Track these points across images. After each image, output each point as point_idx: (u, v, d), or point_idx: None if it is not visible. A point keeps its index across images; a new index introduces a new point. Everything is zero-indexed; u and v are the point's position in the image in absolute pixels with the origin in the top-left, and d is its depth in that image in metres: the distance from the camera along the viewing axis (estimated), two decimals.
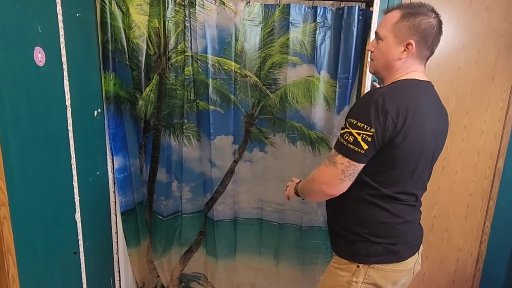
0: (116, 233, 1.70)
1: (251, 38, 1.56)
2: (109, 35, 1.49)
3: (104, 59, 1.52)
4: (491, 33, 1.72)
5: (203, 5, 1.52)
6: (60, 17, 1.19)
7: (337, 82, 1.58)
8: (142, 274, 1.87)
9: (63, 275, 1.26)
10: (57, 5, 1.17)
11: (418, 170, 1.02)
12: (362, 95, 1.59)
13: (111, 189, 1.66)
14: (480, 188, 1.90)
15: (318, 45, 1.55)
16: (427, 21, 0.99)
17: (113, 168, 1.64)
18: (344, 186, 0.99)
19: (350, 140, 0.94)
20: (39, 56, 1.08)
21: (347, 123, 0.97)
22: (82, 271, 1.38)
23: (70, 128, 1.27)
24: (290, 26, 1.53)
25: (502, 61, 1.75)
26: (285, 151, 1.66)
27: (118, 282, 1.75)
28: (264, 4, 1.54)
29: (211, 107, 1.61)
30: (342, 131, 0.98)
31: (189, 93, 1.62)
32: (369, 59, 1.12)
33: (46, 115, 1.13)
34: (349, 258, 1.08)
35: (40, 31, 1.09)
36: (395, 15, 1.02)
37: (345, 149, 0.95)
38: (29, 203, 1.06)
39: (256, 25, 1.55)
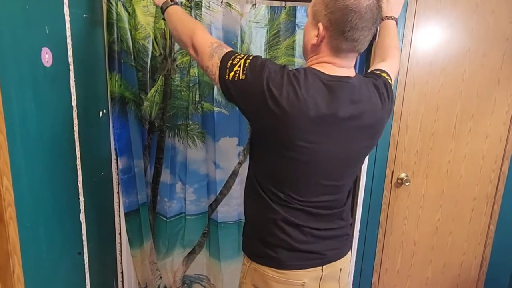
0: (120, 234, 1.70)
1: (257, 40, 1.56)
2: (115, 36, 1.49)
3: (110, 60, 1.52)
4: (496, 36, 1.72)
5: (209, 6, 1.52)
6: (67, 18, 1.19)
7: None
8: (145, 275, 1.87)
9: (67, 276, 1.26)
10: (65, 6, 1.18)
11: (310, 174, 0.93)
12: None
13: (115, 190, 1.66)
14: (485, 192, 1.89)
15: None
16: (346, 5, 0.80)
17: (117, 169, 1.64)
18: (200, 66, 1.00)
19: (234, 61, 0.90)
20: (47, 57, 1.08)
21: (250, 54, 0.93)
22: (86, 272, 1.38)
23: (75, 128, 1.27)
24: (296, 28, 1.53)
25: (507, 64, 1.74)
26: None
27: (121, 283, 1.75)
28: (270, 6, 1.54)
29: (216, 109, 1.61)
30: (240, 53, 0.93)
31: (194, 95, 1.62)
32: None
33: (52, 115, 1.13)
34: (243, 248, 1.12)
35: (47, 32, 1.09)
36: None
37: (226, 59, 0.92)
38: (35, 204, 1.06)
39: (262, 27, 1.55)
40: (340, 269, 1.03)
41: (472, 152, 1.84)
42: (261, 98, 0.85)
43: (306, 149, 0.88)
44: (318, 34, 0.87)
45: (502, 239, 1.92)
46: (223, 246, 1.78)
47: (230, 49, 0.96)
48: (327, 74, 0.89)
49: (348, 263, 1.08)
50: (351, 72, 0.94)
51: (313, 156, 0.90)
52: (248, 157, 1.69)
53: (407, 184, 1.86)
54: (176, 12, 1.11)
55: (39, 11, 1.05)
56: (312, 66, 0.92)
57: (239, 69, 0.88)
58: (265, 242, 0.98)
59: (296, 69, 0.89)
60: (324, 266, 0.99)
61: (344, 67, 0.91)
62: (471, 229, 1.94)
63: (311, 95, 0.84)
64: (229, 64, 0.90)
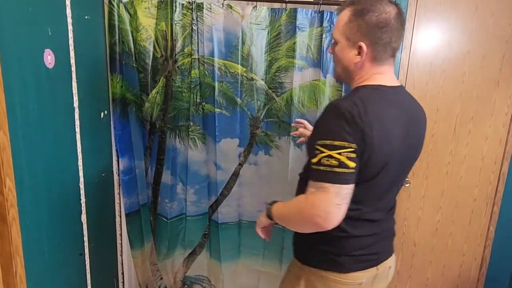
0: (121, 234, 1.70)
1: (258, 42, 1.57)
2: (117, 37, 1.50)
3: (112, 61, 1.53)
4: (496, 38, 1.73)
5: (210, 8, 1.52)
6: (69, 20, 1.20)
7: (343, 86, 1.58)
8: (146, 276, 1.87)
9: (69, 276, 1.26)
10: (67, 8, 1.18)
11: (381, 185, 0.94)
12: None
13: (116, 190, 1.66)
14: (484, 193, 1.90)
15: (324, 49, 1.56)
16: (377, 18, 0.88)
17: (119, 169, 1.64)
18: (342, 212, 0.85)
19: (334, 163, 0.83)
20: (49, 58, 1.09)
21: (321, 147, 0.85)
22: (87, 273, 1.38)
23: (77, 129, 1.27)
24: (297, 30, 1.54)
25: (507, 66, 1.75)
26: (290, 155, 1.66)
27: (122, 283, 1.76)
28: (271, 8, 1.55)
29: (217, 110, 1.62)
30: (316, 159, 0.85)
31: (195, 96, 1.62)
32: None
33: (54, 116, 1.14)
34: (295, 256, 1.08)
35: (50, 34, 1.09)
36: (345, 14, 0.93)
37: (332, 175, 0.83)
38: (37, 204, 1.06)
39: (263, 29, 1.56)
40: (389, 267, 1.07)
41: (472, 153, 1.85)
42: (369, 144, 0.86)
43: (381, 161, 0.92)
44: (360, 52, 0.91)
45: (502, 240, 1.92)
46: (224, 247, 1.78)
47: (316, 177, 0.86)
48: (386, 86, 0.94)
49: (394, 261, 1.11)
50: (393, 75, 0.99)
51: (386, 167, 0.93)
52: (248, 158, 1.71)
53: (407, 185, 1.87)
54: (278, 208, 1.03)
55: (41, 13, 1.05)
56: (365, 83, 0.94)
57: (342, 154, 0.83)
58: (329, 251, 0.99)
59: (355, 101, 0.86)
60: (378, 266, 1.02)
61: (389, 72, 0.97)
62: (471, 230, 1.94)
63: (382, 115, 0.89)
64: (336, 169, 0.83)
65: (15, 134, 0.94)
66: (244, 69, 1.60)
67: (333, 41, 0.99)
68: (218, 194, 1.73)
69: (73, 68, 1.23)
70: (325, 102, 1.60)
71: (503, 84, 1.77)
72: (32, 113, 1.02)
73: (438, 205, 1.92)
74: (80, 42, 1.25)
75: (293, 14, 1.53)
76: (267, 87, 1.62)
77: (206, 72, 1.59)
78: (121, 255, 1.72)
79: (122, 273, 1.75)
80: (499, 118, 1.81)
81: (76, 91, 1.25)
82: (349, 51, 0.93)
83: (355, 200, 0.89)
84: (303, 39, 1.56)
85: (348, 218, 0.89)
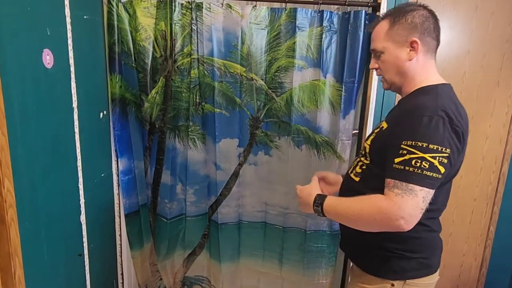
0: (120, 235, 1.70)
1: (257, 42, 1.57)
2: (116, 37, 1.50)
3: (111, 61, 1.52)
4: (496, 38, 1.72)
5: (209, 8, 1.52)
6: (68, 20, 1.19)
7: (343, 86, 1.58)
8: (145, 277, 1.87)
9: (68, 277, 1.26)
10: (66, 7, 1.18)
11: (451, 181, 1.00)
12: (368, 99, 1.59)
13: (116, 191, 1.66)
14: (485, 193, 1.89)
15: (324, 49, 1.55)
16: (419, 15, 0.96)
17: (118, 170, 1.64)
18: (420, 216, 0.85)
19: (425, 166, 0.83)
20: (48, 58, 1.08)
21: (411, 148, 0.84)
22: (86, 273, 1.38)
23: (76, 130, 1.27)
24: (297, 30, 1.53)
25: (507, 66, 1.75)
26: (290, 155, 1.66)
27: (121, 284, 1.75)
28: (271, 8, 1.55)
29: (217, 110, 1.61)
30: (404, 158, 0.85)
31: (194, 96, 1.62)
32: (378, 77, 1.07)
33: (53, 117, 1.13)
34: (382, 276, 1.01)
35: (48, 33, 1.09)
36: (384, 24, 0.99)
37: (421, 177, 0.83)
38: (36, 205, 1.06)
39: (263, 29, 1.56)
40: None
41: (472, 153, 1.84)
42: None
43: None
44: (415, 47, 0.95)
45: (502, 240, 1.92)
46: (224, 247, 1.78)
47: (403, 177, 0.85)
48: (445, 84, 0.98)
49: None
50: None
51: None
52: (248, 158, 1.70)
53: None
54: (334, 207, 0.99)
55: (40, 13, 1.05)
56: (431, 83, 0.97)
57: (436, 158, 0.83)
58: (424, 257, 1.01)
59: (445, 102, 0.89)
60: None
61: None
62: (471, 230, 1.94)
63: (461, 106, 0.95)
64: (427, 173, 0.83)
65: (13, 135, 0.93)
66: (244, 69, 1.59)
67: (373, 57, 1.03)
68: (218, 195, 1.72)
69: (72, 68, 1.23)
70: (325, 102, 1.60)
71: (503, 83, 1.77)
72: (30, 113, 1.02)
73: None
74: (79, 42, 1.25)
75: (292, 14, 1.53)
76: (266, 87, 1.62)
77: (206, 72, 1.58)
78: (121, 256, 1.72)
79: (122, 274, 1.74)
80: (499, 117, 1.81)
81: (75, 91, 1.24)
82: (400, 51, 0.97)
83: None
84: (303, 39, 1.55)
85: (429, 217, 0.95)
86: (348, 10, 1.54)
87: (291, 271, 1.79)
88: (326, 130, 1.62)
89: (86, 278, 1.38)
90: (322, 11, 1.53)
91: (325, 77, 1.58)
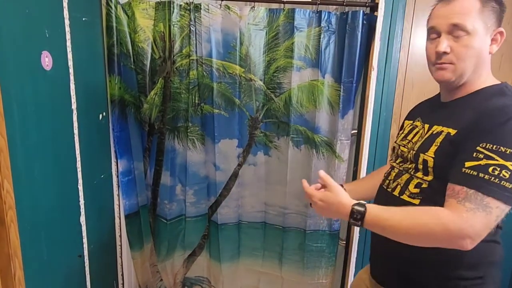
0: (120, 236, 1.70)
1: (256, 42, 1.57)
2: (115, 39, 1.50)
3: (110, 63, 1.53)
4: None
5: (208, 9, 1.52)
6: (67, 22, 1.20)
7: (341, 86, 1.58)
8: (145, 278, 1.87)
9: (68, 278, 1.26)
10: (64, 9, 1.18)
11: None
12: (366, 99, 1.59)
13: (115, 192, 1.66)
14: None
15: (323, 49, 1.56)
16: (501, 3, 0.82)
17: (117, 171, 1.64)
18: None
19: (505, 176, 0.70)
20: (46, 60, 1.09)
21: (491, 153, 0.71)
22: (86, 274, 1.38)
23: (75, 131, 1.27)
24: (295, 30, 1.54)
25: (506, 65, 1.75)
26: (289, 155, 1.66)
27: (122, 285, 1.75)
28: (269, 9, 1.55)
29: (216, 111, 1.62)
30: (479, 163, 0.72)
31: (193, 97, 1.62)
32: (439, 64, 0.85)
33: (52, 118, 1.14)
34: None
35: (47, 36, 1.09)
36: (473, 1, 0.81)
37: (500, 189, 0.70)
38: (35, 207, 1.06)
39: (261, 29, 1.56)
40: None
41: None
42: None
43: None
44: (496, 40, 0.83)
45: (503, 239, 1.91)
46: (224, 248, 1.78)
47: (478, 186, 0.73)
48: None
49: None
50: None
51: None
52: (247, 158, 1.70)
53: None
54: (378, 220, 0.80)
55: (39, 15, 1.05)
56: (497, 81, 0.85)
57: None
58: (495, 278, 0.88)
59: None
60: None
61: None
62: None
63: None
64: (506, 184, 0.70)
65: (12, 136, 0.94)
66: (243, 69, 1.60)
67: (448, 35, 0.82)
68: (218, 195, 1.73)
69: (71, 70, 1.23)
70: (323, 102, 1.60)
71: None
72: (29, 115, 1.02)
73: None
74: (77, 43, 1.25)
75: (291, 15, 1.53)
76: (265, 88, 1.62)
77: (205, 73, 1.59)
78: (121, 257, 1.72)
79: (122, 275, 1.74)
80: None
81: (74, 93, 1.25)
82: (486, 40, 0.81)
83: None
84: (301, 39, 1.55)
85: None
86: (346, 10, 1.54)
87: (291, 271, 1.79)
88: (325, 130, 1.62)
89: (86, 279, 1.39)
90: (320, 11, 1.53)
91: (324, 77, 1.59)
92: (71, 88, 1.24)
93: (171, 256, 1.85)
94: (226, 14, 1.54)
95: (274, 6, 1.58)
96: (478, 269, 0.84)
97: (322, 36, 1.54)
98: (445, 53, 0.82)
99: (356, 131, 1.67)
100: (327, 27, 1.54)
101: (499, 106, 0.77)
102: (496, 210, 0.70)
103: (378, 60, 1.55)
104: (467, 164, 0.73)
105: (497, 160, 0.71)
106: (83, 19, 1.33)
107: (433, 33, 0.86)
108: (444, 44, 0.82)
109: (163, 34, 1.55)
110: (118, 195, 1.67)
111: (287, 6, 1.55)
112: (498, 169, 0.70)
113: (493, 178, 0.71)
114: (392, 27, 1.62)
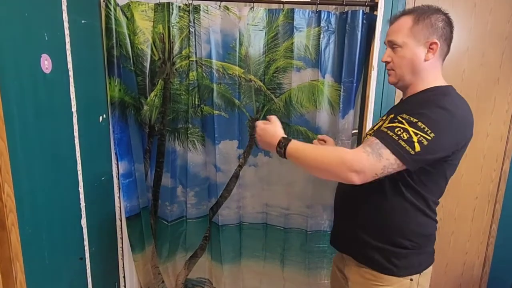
0: (121, 238, 1.70)
1: (255, 43, 1.57)
2: (114, 41, 1.50)
3: (109, 65, 1.53)
4: (495, 35, 1.72)
5: (207, 10, 1.52)
6: (66, 24, 1.20)
7: (342, 86, 1.58)
8: (147, 279, 1.87)
9: (69, 281, 1.26)
10: (63, 12, 1.18)
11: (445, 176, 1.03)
12: (367, 99, 1.58)
13: (116, 194, 1.66)
14: (486, 191, 1.89)
15: (322, 49, 1.55)
16: (441, 18, 0.98)
17: (118, 173, 1.64)
18: (371, 180, 0.89)
19: (404, 136, 0.86)
20: (46, 63, 1.09)
21: (402, 119, 0.89)
22: (88, 277, 1.38)
23: (76, 134, 1.27)
24: (294, 30, 1.53)
25: (506, 63, 1.74)
26: None
27: (123, 287, 1.75)
28: (268, 9, 1.55)
29: (216, 112, 1.61)
30: (392, 125, 0.90)
31: (193, 98, 1.62)
32: (387, 70, 1.06)
33: (52, 121, 1.14)
34: (401, 274, 1.01)
35: (46, 39, 1.09)
36: (408, 20, 0.99)
37: (395, 144, 0.86)
38: (36, 210, 1.06)
39: (260, 30, 1.56)
40: None
41: (473, 151, 1.84)
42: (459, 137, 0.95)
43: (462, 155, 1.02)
44: (433, 49, 0.98)
45: (505, 237, 1.91)
46: (225, 249, 1.78)
47: (381, 137, 0.89)
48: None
49: None
50: None
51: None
52: (248, 159, 1.70)
53: None
54: (297, 150, 0.97)
55: (38, 18, 1.05)
56: (443, 84, 1.01)
57: (418, 135, 0.86)
58: (431, 247, 1.07)
59: (453, 102, 0.95)
60: None
61: None
62: (473, 228, 1.93)
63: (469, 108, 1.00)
64: (402, 142, 0.86)
65: (13, 140, 0.94)
66: (242, 70, 1.59)
67: (388, 48, 1.03)
68: (218, 196, 1.72)
69: (71, 73, 1.23)
70: (324, 102, 1.60)
71: (503, 81, 1.76)
72: (29, 118, 1.02)
73: (439, 204, 1.90)
74: (77, 46, 1.25)
75: (290, 15, 1.53)
76: (265, 88, 1.62)
77: (204, 74, 1.59)
78: (122, 259, 1.72)
79: (124, 277, 1.74)
80: (499, 115, 1.80)
81: (74, 96, 1.25)
82: (418, 50, 0.98)
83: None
84: (301, 40, 1.55)
85: (435, 211, 1.03)
86: (346, 10, 1.54)
87: (293, 271, 1.79)
88: (325, 130, 1.62)
89: (88, 281, 1.38)
90: (320, 11, 1.53)
91: (324, 77, 1.58)
92: (71, 91, 1.24)
93: (172, 258, 1.85)
94: (225, 15, 1.54)
95: (274, 6, 1.57)
96: (417, 236, 1.01)
97: (321, 36, 1.54)
98: (387, 62, 1.04)
99: (356, 131, 1.67)
100: (326, 27, 1.54)
101: (427, 97, 0.97)
102: (385, 160, 0.87)
103: (378, 60, 1.55)
104: (385, 125, 0.93)
105: (404, 125, 0.88)
106: (82, 21, 1.33)
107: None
108: (385, 55, 1.04)
109: (162, 35, 1.55)
110: (119, 197, 1.67)
111: (286, 6, 1.55)
112: (401, 130, 0.88)
113: (394, 135, 0.88)
114: None
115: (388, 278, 1.02)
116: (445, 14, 1.00)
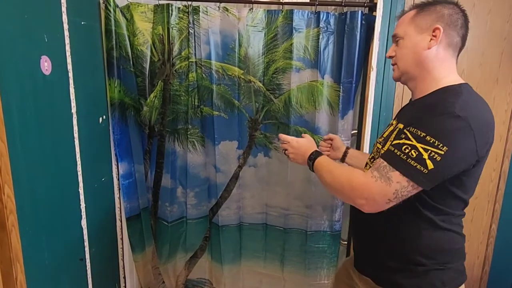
0: (122, 239, 1.70)
1: (255, 44, 1.57)
2: (114, 42, 1.50)
3: (109, 66, 1.53)
4: (494, 35, 1.72)
5: (206, 11, 1.53)
6: (65, 26, 1.20)
7: (341, 87, 1.58)
8: (148, 280, 1.87)
9: (70, 282, 1.26)
10: (63, 14, 1.19)
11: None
12: (366, 99, 1.59)
13: (116, 195, 1.66)
14: (486, 191, 1.89)
15: (322, 50, 1.56)
16: (449, 7, 0.90)
17: (118, 174, 1.64)
18: (386, 207, 0.82)
19: (412, 155, 0.78)
20: (46, 65, 1.09)
21: (409, 134, 0.80)
22: (88, 277, 1.39)
23: (76, 135, 1.27)
24: (294, 31, 1.54)
25: (506, 63, 1.74)
26: None
27: None
28: (268, 10, 1.55)
29: (215, 113, 1.62)
30: (399, 142, 0.81)
31: (193, 99, 1.63)
32: (391, 66, 1.01)
33: (52, 123, 1.14)
34: None
35: (46, 40, 1.10)
36: (411, 12, 0.94)
37: (405, 164, 0.78)
38: (36, 211, 1.06)
39: (260, 31, 1.56)
40: None
41: None
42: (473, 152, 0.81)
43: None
44: (436, 36, 0.89)
45: (504, 237, 1.91)
46: (225, 250, 1.78)
47: (388, 158, 0.83)
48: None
49: None
50: None
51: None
52: (247, 160, 1.70)
53: None
54: (321, 167, 0.99)
55: (37, 20, 1.06)
56: (456, 82, 0.89)
57: (428, 151, 0.77)
58: (459, 264, 0.97)
59: (467, 105, 0.81)
60: None
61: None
62: (473, 229, 1.93)
63: (488, 108, 0.88)
64: (412, 162, 0.78)
65: (13, 141, 0.94)
66: (242, 71, 1.60)
67: (393, 43, 0.98)
68: (218, 197, 1.73)
69: (71, 74, 1.23)
70: (323, 102, 1.60)
71: (502, 81, 1.76)
72: (29, 119, 1.03)
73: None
74: (76, 48, 1.26)
75: (289, 16, 1.53)
76: (265, 89, 1.62)
77: (204, 75, 1.59)
78: (123, 260, 1.72)
79: (124, 278, 1.75)
80: (498, 115, 1.80)
81: (73, 97, 1.25)
82: (420, 38, 0.90)
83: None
84: (300, 40, 1.55)
85: (461, 224, 0.93)
86: (345, 10, 1.54)
87: (293, 272, 1.79)
88: (325, 130, 1.62)
89: (88, 282, 1.39)
90: (319, 12, 1.53)
91: (323, 78, 1.58)
92: (71, 92, 1.24)
93: (173, 259, 1.85)
94: (224, 16, 1.54)
95: (273, 7, 1.58)
96: (437, 253, 0.91)
97: (321, 36, 1.54)
98: (391, 57, 0.99)
99: (356, 131, 1.67)
100: (325, 28, 1.54)
101: (436, 101, 0.85)
102: (396, 184, 0.80)
103: (377, 60, 1.55)
104: (393, 142, 0.84)
105: (411, 141, 0.79)
106: (82, 23, 1.33)
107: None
108: (390, 50, 0.99)
109: (162, 36, 1.55)
110: (119, 198, 1.68)
111: (286, 7, 1.55)
112: (409, 148, 0.79)
113: (402, 154, 0.79)
114: (391, 27, 1.62)
115: None
116: (457, 6, 0.91)
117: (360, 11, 1.50)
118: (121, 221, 1.70)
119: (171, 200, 1.75)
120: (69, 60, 1.22)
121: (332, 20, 1.54)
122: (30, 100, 1.03)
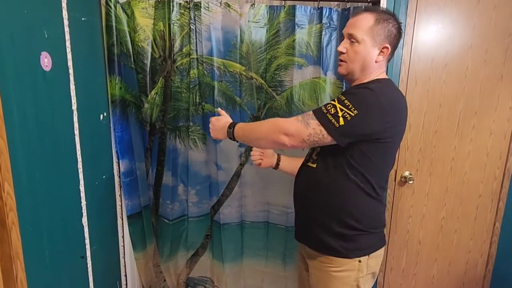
0: (123, 237, 1.70)
1: (257, 40, 1.56)
2: (115, 38, 1.49)
3: (110, 63, 1.52)
4: (499, 32, 1.70)
5: (208, 7, 1.51)
6: (66, 22, 1.19)
7: (343, 83, 1.56)
8: (149, 278, 1.87)
9: (71, 280, 1.26)
10: (63, 10, 1.18)
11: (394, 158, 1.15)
12: None
13: (117, 193, 1.66)
14: (490, 189, 1.87)
15: (324, 46, 1.54)
16: (396, 26, 1.07)
17: (119, 171, 1.64)
18: (299, 147, 1.03)
19: (331, 111, 0.99)
20: (46, 61, 1.08)
21: (336, 98, 1.02)
22: (89, 275, 1.38)
23: (76, 132, 1.26)
24: (296, 27, 1.52)
25: (510, 60, 1.72)
26: (292, 153, 1.64)
27: (125, 286, 1.75)
28: (270, 6, 1.54)
29: (217, 110, 1.60)
30: (328, 102, 1.03)
31: (194, 96, 1.61)
32: (339, 60, 1.14)
33: (52, 119, 1.13)
34: (350, 256, 1.09)
35: (46, 36, 1.09)
36: (370, 18, 1.06)
37: (323, 116, 0.99)
38: (37, 208, 1.06)
39: (262, 27, 1.55)
40: None
41: (476, 149, 1.82)
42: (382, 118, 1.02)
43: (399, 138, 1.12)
44: (384, 53, 1.07)
45: (508, 236, 1.90)
46: (226, 248, 1.77)
47: (314, 111, 1.03)
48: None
49: None
50: None
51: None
52: (249, 158, 1.69)
53: (410, 182, 1.84)
54: (242, 128, 1.15)
55: (37, 16, 1.05)
56: (383, 77, 1.11)
57: (343, 111, 0.98)
58: (381, 230, 1.16)
59: (383, 87, 1.05)
60: None
61: None
62: (477, 227, 1.92)
63: (403, 99, 1.11)
64: (329, 116, 0.99)
65: (12, 138, 0.93)
66: (243, 68, 1.58)
67: (346, 39, 1.09)
68: (220, 195, 1.72)
69: (71, 71, 1.22)
70: (326, 99, 1.58)
71: (507, 78, 1.74)
72: (29, 116, 1.02)
73: (442, 202, 1.89)
74: (77, 44, 1.24)
75: (291, 11, 1.51)
76: (266, 86, 1.61)
77: (205, 71, 1.58)
78: (124, 257, 1.72)
79: (125, 275, 1.74)
80: (503, 112, 1.78)
81: (74, 94, 1.24)
82: (372, 50, 1.06)
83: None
84: (302, 36, 1.54)
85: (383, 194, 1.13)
86: (348, 6, 1.52)
87: (294, 270, 1.78)
88: None
89: (89, 280, 1.38)
90: (321, 8, 1.51)
91: (326, 75, 1.57)
92: (71, 89, 1.23)
93: (174, 256, 1.84)
94: (226, 12, 1.53)
95: (275, 3, 1.56)
96: (364, 219, 1.09)
97: (323, 33, 1.53)
98: (341, 53, 1.10)
99: None
100: (328, 24, 1.52)
101: (363, 84, 1.07)
102: (311, 129, 1.00)
103: None
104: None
105: (334, 102, 1.01)
106: (82, 19, 1.32)
107: (343, 36, 1.12)
108: (342, 45, 1.11)
109: (163, 33, 1.54)
110: (120, 196, 1.67)
111: (288, 3, 1.53)
112: (331, 106, 1.00)
113: (325, 110, 1.01)
114: None
115: (339, 260, 1.10)
116: (399, 23, 1.09)
117: (363, 7, 1.49)
118: (122, 219, 1.69)
119: (172, 198, 1.75)
120: (69, 56, 1.21)
121: (335, 16, 1.52)
122: (30, 97, 1.02)
